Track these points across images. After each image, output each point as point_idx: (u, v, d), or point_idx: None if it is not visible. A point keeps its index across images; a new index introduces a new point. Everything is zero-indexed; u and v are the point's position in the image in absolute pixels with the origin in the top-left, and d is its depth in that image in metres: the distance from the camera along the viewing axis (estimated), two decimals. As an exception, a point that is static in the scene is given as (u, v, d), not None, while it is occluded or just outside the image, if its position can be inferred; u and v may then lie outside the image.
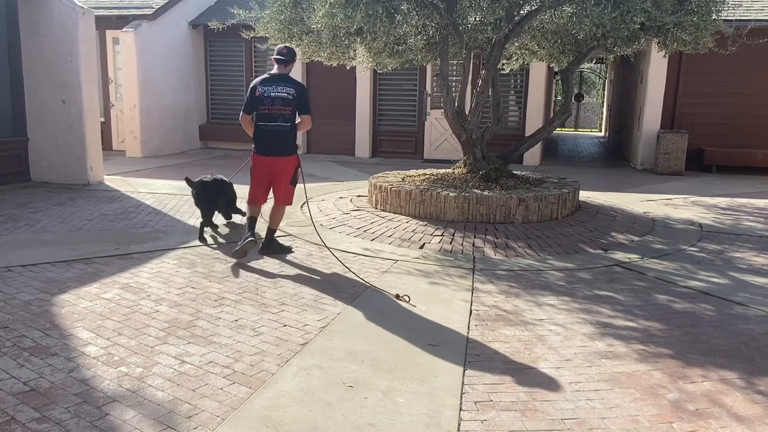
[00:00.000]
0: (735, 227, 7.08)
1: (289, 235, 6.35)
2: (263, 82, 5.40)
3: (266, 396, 3.06)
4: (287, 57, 5.43)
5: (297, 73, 13.18)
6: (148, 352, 3.53)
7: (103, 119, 11.77)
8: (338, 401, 3.03)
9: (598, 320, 4.20)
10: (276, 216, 5.70)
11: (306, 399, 3.04)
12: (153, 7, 12.47)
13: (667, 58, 9.97)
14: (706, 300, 4.63)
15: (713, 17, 6.69)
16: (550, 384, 3.28)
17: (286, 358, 3.49)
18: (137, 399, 3.01)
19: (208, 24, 9.00)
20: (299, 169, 5.66)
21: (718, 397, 3.16)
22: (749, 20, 9.58)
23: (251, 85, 5.49)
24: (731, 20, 8.39)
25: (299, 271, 5.13)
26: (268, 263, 5.35)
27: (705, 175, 11.12)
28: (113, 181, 9.20)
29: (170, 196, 8.23)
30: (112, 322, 3.94)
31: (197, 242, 5.97)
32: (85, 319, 3.99)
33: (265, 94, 5.36)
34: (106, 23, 12.39)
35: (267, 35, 7.62)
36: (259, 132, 5.50)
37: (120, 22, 12.39)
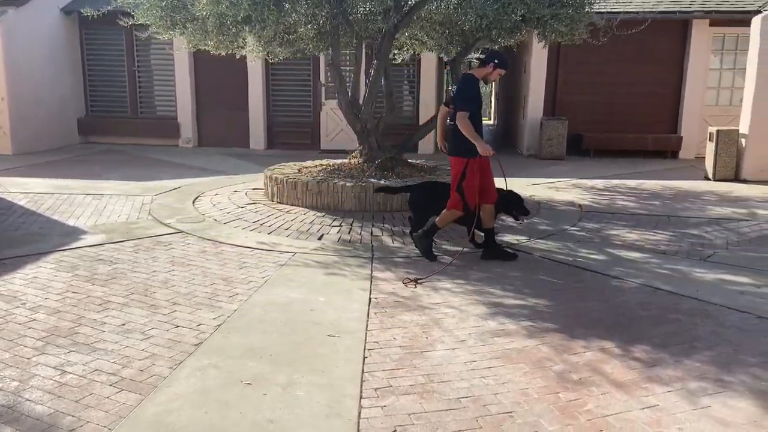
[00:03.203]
0: (611, 206, 7.63)
1: (181, 231, 6.09)
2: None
3: (158, 401, 2.92)
4: (484, 58, 5.24)
5: (184, 62, 12.65)
6: (25, 364, 3.26)
7: (-36, 113, 10.69)
8: (236, 400, 2.95)
9: (490, 300, 4.37)
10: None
11: (201, 400, 2.94)
12: (18, -9, 11.44)
13: (546, 49, 10.52)
14: (586, 276, 4.95)
15: (586, 9, 7.14)
16: (446, 365, 3.37)
17: (179, 360, 3.35)
18: (13, 415, 2.77)
19: (82, 11, 8.39)
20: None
21: (599, 365, 3.39)
22: (619, 12, 10.30)
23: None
24: (603, 12, 8.98)
25: (192, 270, 4.93)
26: (158, 262, 5.10)
27: (584, 159, 11.89)
28: (-21, 182, 8.38)
29: (46, 195, 7.63)
30: (-19, 336, 3.60)
31: (77, 244, 5.57)
32: (-53, 334, 3.62)
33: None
34: (-37, 7, 11.22)
35: (148, 23, 7.22)
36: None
37: (-20, 7, 11.26)
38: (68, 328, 3.75)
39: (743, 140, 9.47)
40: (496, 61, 5.14)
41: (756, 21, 9.38)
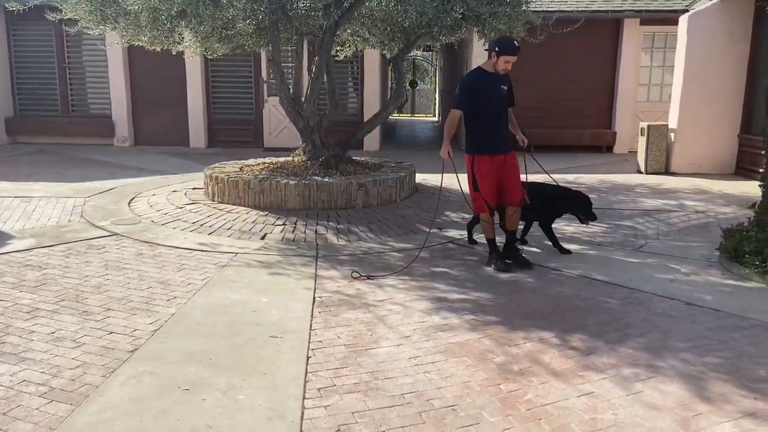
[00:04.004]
0: (550, 201, 7.81)
1: (116, 234, 5.87)
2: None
3: (90, 411, 2.80)
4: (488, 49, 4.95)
5: (118, 58, 12.21)
6: (-57, 380, 3.07)
7: None
8: (173, 406, 2.86)
9: (434, 296, 4.40)
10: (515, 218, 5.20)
11: (136, 409, 2.83)
12: (-65, -18, 10.76)
13: (486, 45, 10.68)
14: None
15: (523, 8, 7.28)
16: (391, 362, 3.38)
17: (113, 367, 3.22)
18: (-71, 435, 2.60)
19: (7, 5, 7.97)
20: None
21: (538, 356, 3.47)
22: (554, 11, 10.57)
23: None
24: (539, 11, 9.18)
25: (128, 273, 4.76)
26: (90, 267, 4.90)
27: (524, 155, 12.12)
28: None
29: (-30, 198, 7.22)
30: None
31: (4, 249, 5.28)
32: None
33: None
34: None
35: (77, 17, 6.92)
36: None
37: None
38: (-7, 338, 3.55)
39: (672, 135, 9.89)
40: (496, 48, 4.80)
41: (683, 20, 9.81)
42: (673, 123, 9.94)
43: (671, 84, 10.45)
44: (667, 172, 9.88)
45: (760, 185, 5.27)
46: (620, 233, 6.18)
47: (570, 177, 9.59)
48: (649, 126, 9.92)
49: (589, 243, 5.81)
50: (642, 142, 10.04)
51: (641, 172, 10.00)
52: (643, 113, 12.35)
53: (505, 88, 4.99)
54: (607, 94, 12.61)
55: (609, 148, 12.58)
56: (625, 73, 12.33)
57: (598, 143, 12.56)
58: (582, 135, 12.51)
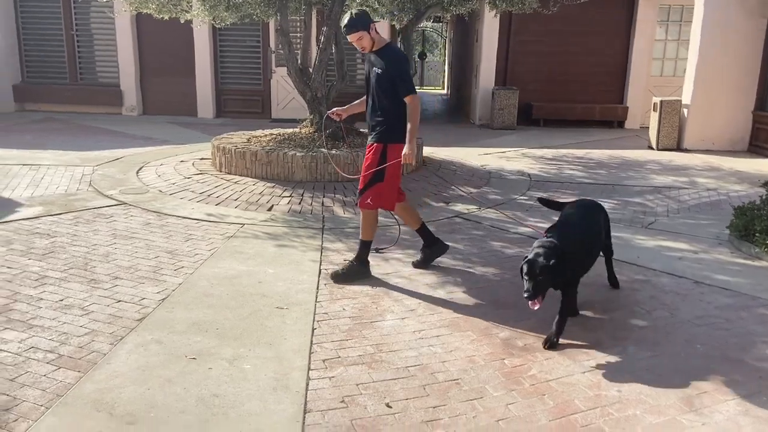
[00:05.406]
0: (558, 176, 7.76)
1: (124, 203, 5.88)
2: None
3: (97, 378, 2.84)
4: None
5: (126, 26, 12.10)
6: (-46, 345, 3.11)
7: None
8: (179, 375, 2.89)
9: (439, 270, 4.40)
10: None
11: (143, 377, 2.86)
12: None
13: (498, 17, 10.51)
14: (533, 244, 5.01)
15: (536, -21, 7.13)
16: (395, 335, 3.39)
17: (121, 335, 3.25)
18: (-60, 399, 2.64)
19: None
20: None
21: (543, 332, 3.46)
22: (568, -17, 10.36)
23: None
24: (553, -18, 9.01)
25: (135, 242, 4.78)
26: (99, 235, 4.91)
27: (534, 129, 12.03)
28: None
29: (-22, 166, 7.24)
30: None
31: (13, 217, 5.31)
32: None
33: None
34: None
35: (83, -17, 6.84)
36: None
37: None
38: (2, 304, 3.58)
39: (685, 110, 9.74)
40: None
41: (700, -7, 9.58)
42: (686, 98, 9.78)
43: (686, 58, 10.26)
44: (678, 148, 9.76)
45: (773, 163, 5.19)
46: (629, 210, 6.13)
47: (579, 152, 9.50)
48: (661, 101, 9.77)
49: (597, 219, 5.77)
50: (654, 117, 9.90)
51: (652, 148, 9.88)
52: (656, 88, 12.17)
53: (378, 71, 4.05)
54: (620, 68, 12.41)
55: (620, 123, 12.43)
56: (638, 47, 12.12)
57: (610, 118, 12.41)
58: (593, 109, 12.35)
